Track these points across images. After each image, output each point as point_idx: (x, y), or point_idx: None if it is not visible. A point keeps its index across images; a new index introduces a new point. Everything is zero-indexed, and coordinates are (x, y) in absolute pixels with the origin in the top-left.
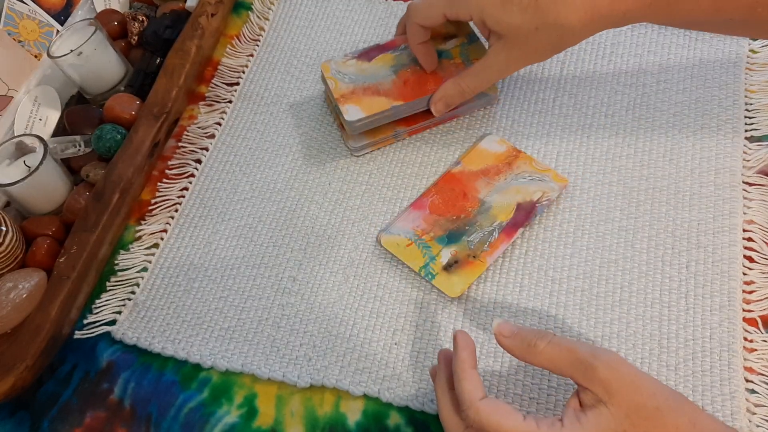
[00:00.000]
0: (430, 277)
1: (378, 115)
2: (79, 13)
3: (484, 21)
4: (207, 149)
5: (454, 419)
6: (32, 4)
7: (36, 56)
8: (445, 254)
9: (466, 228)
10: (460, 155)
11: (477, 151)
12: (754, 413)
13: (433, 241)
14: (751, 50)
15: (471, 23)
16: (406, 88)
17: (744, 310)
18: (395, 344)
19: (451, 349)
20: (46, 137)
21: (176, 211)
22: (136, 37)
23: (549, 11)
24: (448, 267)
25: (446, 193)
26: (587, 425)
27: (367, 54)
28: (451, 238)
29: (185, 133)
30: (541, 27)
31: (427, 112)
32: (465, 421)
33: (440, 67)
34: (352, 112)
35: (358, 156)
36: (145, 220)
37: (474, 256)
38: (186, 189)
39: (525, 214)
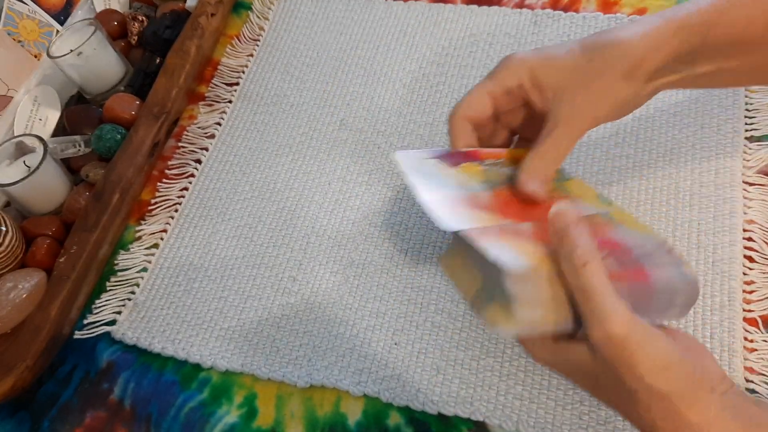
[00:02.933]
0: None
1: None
2: (78, 13)
3: (536, 76)
4: (207, 149)
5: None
6: (32, 4)
7: (36, 56)
8: None
9: None
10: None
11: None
12: None
13: None
14: None
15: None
16: (510, 208)
17: (744, 310)
18: (395, 344)
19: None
20: (45, 137)
21: (176, 211)
22: (135, 37)
23: (597, 38)
24: None
25: None
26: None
27: (450, 158)
28: None
29: (185, 133)
30: (594, 55)
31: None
32: (591, 342)
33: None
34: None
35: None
36: (145, 220)
37: None
38: (186, 189)
39: None
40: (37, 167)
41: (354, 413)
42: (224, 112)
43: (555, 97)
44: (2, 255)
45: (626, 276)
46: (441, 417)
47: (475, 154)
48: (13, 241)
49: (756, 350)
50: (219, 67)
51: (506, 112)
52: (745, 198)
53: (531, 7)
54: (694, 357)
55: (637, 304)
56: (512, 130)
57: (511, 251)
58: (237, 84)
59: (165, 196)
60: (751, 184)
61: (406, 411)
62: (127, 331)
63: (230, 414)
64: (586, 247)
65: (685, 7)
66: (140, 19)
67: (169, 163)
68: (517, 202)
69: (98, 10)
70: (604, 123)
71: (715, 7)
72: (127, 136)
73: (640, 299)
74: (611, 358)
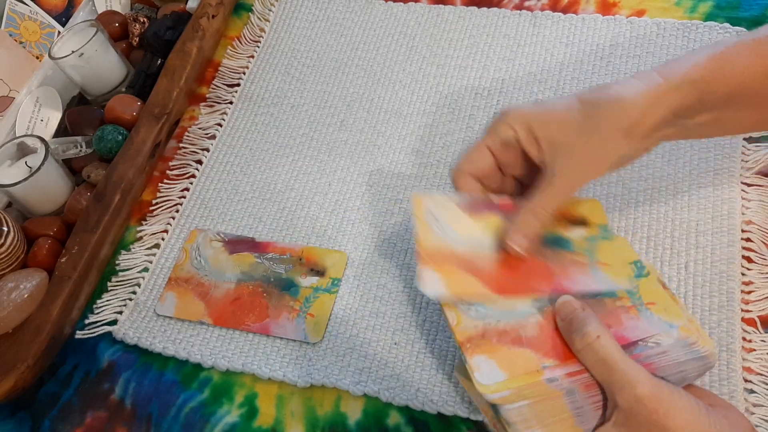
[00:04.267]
0: None
1: (525, 386)
2: (80, 15)
3: (532, 129)
4: (208, 150)
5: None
6: (33, 5)
7: (37, 57)
8: None
9: None
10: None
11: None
12: (753, 413)
13: None
14: None
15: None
16: (508, 273)
17: (743, 311)
18: (395, 344)
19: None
20: (47, 138)
21: (177, 211)
22: (137, 39)
23: (596, 94)
24: None
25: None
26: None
27: (476, 205)
28: None
29: (186, 133)
30: (593, 111)
31: None
32: (619, 410)
33: (558, 259)
34: (486, 370)
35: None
36: (146, 220)
37: None
38: (187, 189)
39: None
40: (39, 168)
41: (354, 413)
42: (225, 113)
43: (551, 151)
44: (4, 255)
45: None
46: (441, 417)
47: (507, 207)
48: (15, 241)
49: (754, 350)
50: (220, 68)
51: (508, 164)
52: (744, 199)
53: (530, 9)
54: (721, 412)
55: None
56: (518, 179)
57: (495, 368)
58: (238, 85)
59: (166, 196)
60: (749, 185)
61: (406, 411)
62: (128, 331)
63: (231, 414)
64: (596, 323)
65: (682, 63)
66: (141, 20)
67: (170, 163)
68: (519, 266)
69: (99, 11)
70: (598, 178)
71: (713, 61)
72: (128, 137)
73: None
74: (643, 420)
